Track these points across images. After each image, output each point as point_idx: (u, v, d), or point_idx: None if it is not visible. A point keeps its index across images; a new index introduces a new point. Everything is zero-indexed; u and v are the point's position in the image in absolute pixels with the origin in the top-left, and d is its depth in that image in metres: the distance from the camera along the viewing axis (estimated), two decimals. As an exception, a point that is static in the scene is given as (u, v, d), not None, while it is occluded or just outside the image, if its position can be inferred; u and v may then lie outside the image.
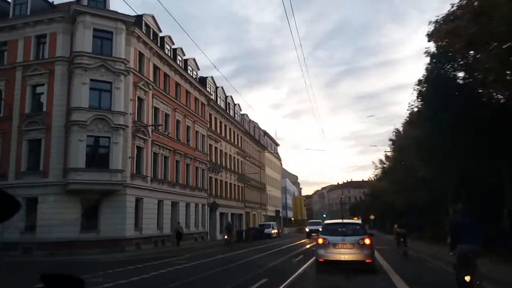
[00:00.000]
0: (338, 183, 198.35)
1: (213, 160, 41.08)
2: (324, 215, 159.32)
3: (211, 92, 42.21)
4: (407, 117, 26.92)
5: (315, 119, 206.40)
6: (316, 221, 49.96)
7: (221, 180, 43.49)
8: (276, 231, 48.46)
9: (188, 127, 34.91)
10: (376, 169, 55.13)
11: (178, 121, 32.85)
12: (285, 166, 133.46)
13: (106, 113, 23.40)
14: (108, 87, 23.78)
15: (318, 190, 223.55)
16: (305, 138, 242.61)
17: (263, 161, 65.61)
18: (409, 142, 24.08)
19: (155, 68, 29.63)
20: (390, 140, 39.89)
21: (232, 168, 47.91)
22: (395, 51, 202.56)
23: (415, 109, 22.22)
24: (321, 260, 12.80)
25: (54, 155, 23.07)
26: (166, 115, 30.88)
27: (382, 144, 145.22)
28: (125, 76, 24.67)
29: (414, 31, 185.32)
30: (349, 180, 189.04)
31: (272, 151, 74.04)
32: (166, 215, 29.62)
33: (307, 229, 44.74)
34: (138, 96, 26.44)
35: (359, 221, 21.09)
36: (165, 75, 31.20)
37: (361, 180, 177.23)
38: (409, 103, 27.46)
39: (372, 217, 72.25)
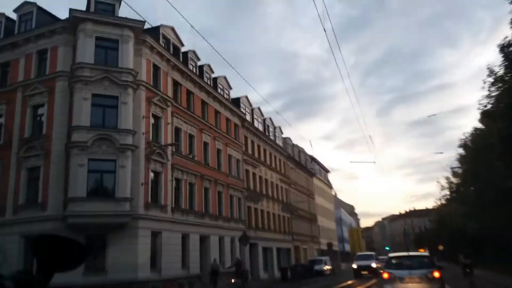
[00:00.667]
0: (400, 212, 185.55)
1: (251, 187, 36.75)
2: (387, 248, 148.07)
3: (246, 112, 38.45)
4: (481, 112, 21.33)
5: (369, 149, 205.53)
6: (367, 254, 40.57)
7: (261, 210, 38.88)
8: (329, 267, 42.58)
9: (218, 150, 31.06)
10: (442, 189, 48.08)
11: (206, 143, 29.10)
12: (340, 196, 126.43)
13: (111, 132, 20.02)
14: (113, 102, 20.52)
15: (378, 221, 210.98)
16: (360, 168, 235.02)
17: (311, 189, 60.30)
18: (488, 142, 18.48)
19: (175, 83, 26.34)
20: (460, 146, 33.20)
21: (275, 196, 43.22)
22: (449, 75, 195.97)
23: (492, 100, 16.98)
24: None
25: (53, 184, 19.84)
26: (191, 136, 27.26)
27: (442, 171, 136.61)
28: (135, 90, 21.38)
29: (467, 52, 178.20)
30: (412, 209, 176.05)
31: (321, 178, 68.54)
32: (193, 252, 25.37)
33: (354, 266, 33.93)
34: (153, 113, 23.03)
35: (426, 253, 21.31)
36: (188, 91, 27.85)
37: (424, 208, 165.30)
38: (479, 101, 21.87)
39: (440, 247, 63.84)
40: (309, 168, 61.11)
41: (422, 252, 46.93)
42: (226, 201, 31.09)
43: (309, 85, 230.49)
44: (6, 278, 1.29)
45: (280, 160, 46.98)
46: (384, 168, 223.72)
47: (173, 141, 24.45)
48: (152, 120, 23.02)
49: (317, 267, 39.60)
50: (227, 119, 33.46)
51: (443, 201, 56.20)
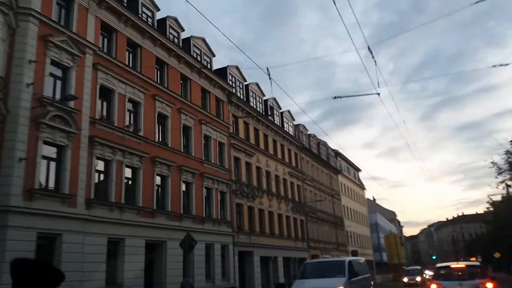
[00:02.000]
0: (447, 218, 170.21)
1: (243, 180, 28.73)
2: (434, 257, 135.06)
3: (237, 87, 30.65)
4: None
5: (413, 155, 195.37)
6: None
7: (260, 210, 30.71)
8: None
9: (186, 128, 23.34)
10: (500, 173, 36.73)
11: (162, 116, 21.47)
12: (384, 205, 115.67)
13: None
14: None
15: (424, 229, 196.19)
16: (404, 176, 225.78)
17: (336, 188, 51.32)
18: None
19: (106, 27, 18.97)
20: None
21: (282, 194, 34.90)
22: (494, 75, 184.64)
23: None
24: None
25: None
26: (135, 103, 19.75)
27: (493, 175, 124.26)
28: (9, 17, 14.15)
29: None
30: (461, 214, 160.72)
31: (349, 176, 59.25)
32: (130, 264, 17.63)
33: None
34: (54, 59, 15.67)
35: (478, 263, 17.30)
36: (132, 43, 20.38)
37: (475, 213, 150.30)
38: None
39: (496, 255, 53.15)
40: (333, 163, 52.20)
41: (474, 261, 38.10)
42: (199, 195, 23.22)
43: (347, 93, 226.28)
44: None
45: (290, 150, 38.66)
46: (431, 175, 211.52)
47: (98, 110, 16.93)
48: (53, 70, 15.68)
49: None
50: (204, 90, 25.76)
51: (502, 190, 43.89)
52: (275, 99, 37.21)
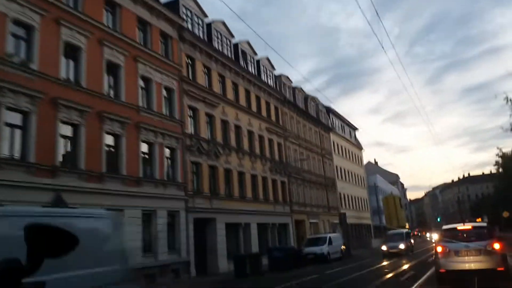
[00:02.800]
0: (452, 180, 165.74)
1: (202, 135, 23.96)
2: (438, 220, 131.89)
3: (194, 23, 25.41)
4: None
5: (420, 119, 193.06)
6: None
7: (227, 170, 26.10)
8: (339, 248, 29.50)
9: (115, 66, 18.39)
10: None
11: (75, 48, 16.52)
12: (387, 169, 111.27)
13: None
14: None
15: (428, 191, 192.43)
16: (411, 140, 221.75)
17: (327, 147, 46.55)
18: None
19: None
20: None
21: (257, 152, 30.22)
22: (502, 36, 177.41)
23: None
24: (442, 270, 11.46)
25: None
26: (27, 28, 14.77)
27: (501, 137, 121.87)
28: None
29: None
30: (466, 175, 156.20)
31: (344, 135, 54.29)
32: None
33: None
34: None
35: (485, 223, 17.02)
36: None
37: (481, 173, 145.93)
38: None
39: (505, 214, 49.10)
40: (324, 120, 47.20)
41: (480, 222, 36.68)
42: (133, 151, 18.53)
43: (353, 59, 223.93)
44: None
45: (268, 103, 33.69)
46: (438, 139, 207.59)
47: None
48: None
49: (316, 249, 26.67)
50: (143, 21, 20.60)
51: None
52: (249, 43, 31.93)
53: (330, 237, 28.55)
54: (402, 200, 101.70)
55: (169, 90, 21.79)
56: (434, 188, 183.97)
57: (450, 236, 12.02)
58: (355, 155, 57.96)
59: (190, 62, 24.22)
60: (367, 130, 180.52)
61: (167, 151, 20.98)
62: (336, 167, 48.53)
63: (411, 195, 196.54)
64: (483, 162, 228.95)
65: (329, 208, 43.34)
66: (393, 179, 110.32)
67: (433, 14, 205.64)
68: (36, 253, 1.34)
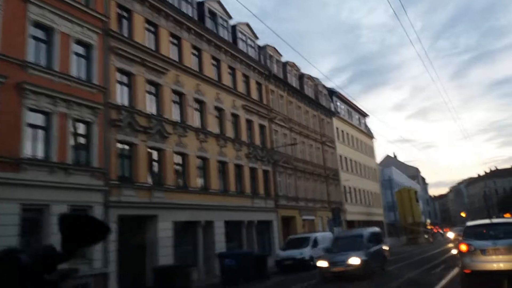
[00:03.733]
0: (478, 174, 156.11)
1: (137, 106, 18.53)
2: (463, 215, 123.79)
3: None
4: None
5: (445, 115, 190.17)
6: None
7: (181, 154, 20.65)
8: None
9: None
10: None
11: None
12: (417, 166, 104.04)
13: None
14: None
15: (453, 186, 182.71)
16: (436, 136, 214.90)
17: (328, 134, 40.59)
18: None
19: None
20: None
21: (229, 134, 24.62)
22: None
23: None
24: (467, 271, 10.36)
25: None
26: None
27: None
28: None
29: None
30: (494, 169, 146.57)
31: (350, 121, 48.06)
32: None
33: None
34: None
35: None
36: None
37: (510, 166, 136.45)
38: None
39: None
40: (324, 103, 41.22)
41: (509, 218, 31.06)
42: (12, 123, 13.25)
43: (374, 55, 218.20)
44: (20, 252, 1.30)
45: (247, 77, 28.04)
46: (465, 134, 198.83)
47: None
48: None
49: (295, 253, 21.01)
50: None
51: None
52: (219, 2, 26.34)
53: (315, 238, 22.82)
54: (419, 194, 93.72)
55: (85, 45, 16.46)
56: (459, 183, 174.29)
57: (476, 233, 10.95)
58: (364, 145, 51.66)
59: (124, 14, 18.82)
60: (392, 126, 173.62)
61: (80, 126, 15.67)
62: (340, 156, 42.51)
63: (436, 192, 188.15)
64: (511, 157, 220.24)
65: (330, 203, 37.45)
66: (413, 173, 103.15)
67: (456, 6, 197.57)
68: (70, 242, 1.37)
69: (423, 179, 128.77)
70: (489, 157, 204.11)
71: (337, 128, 43.05)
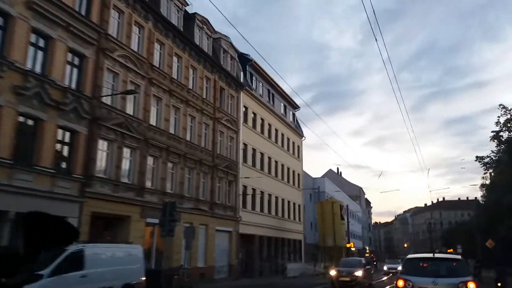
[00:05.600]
0: (425, 204, 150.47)
1: None
2: (405, 246, 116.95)
3: None
4: None
5: (401, 146, 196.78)
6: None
7: None
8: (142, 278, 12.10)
9: None
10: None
11: None
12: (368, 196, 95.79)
13: None
14: None
15: (399, 215, 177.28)
16: (390, 166, 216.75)
17: (230, 112, 29.34)
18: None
19: None
20: None
21: None
22: (488, 70, 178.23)
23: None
24: None
25: None
26: None
27: (478, 172, 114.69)
28: None
29: (509, 48, 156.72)
30: (441, 199, 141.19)
31: (268, 105, 37.01)
32: None
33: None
34: None
35: (459, 256, 13.42)
36: None
37: (457, 199, 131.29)
38: None
39: (490, 243, 33.72)
40: (228, 68, 30.03)
41: (451, 253, 29.31)
42: None
43: (340, 78, 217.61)
44: None
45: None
46: (418, 167, 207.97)
47: None
48: None
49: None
50: None
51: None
52: None
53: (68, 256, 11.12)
54: (359, 217, 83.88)
55: None
56: (405, 212, 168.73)
57: (416, 267, 10.21)
58: (288, 141, 40.84)
59: None
60: (349, 152, 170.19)
61: None
62: (245, 146, 31.34)
63: (384, 220, 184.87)
64: (458, 194, 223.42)
65: (215, 206, 26.03)
66: (355, 192, 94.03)
67: (423, 40, 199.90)
68: (33, 242, 1.80)
69: (368, 202, 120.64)
70: (438, 192, 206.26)
71: (245, 108, 31.92)
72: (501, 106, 27.45)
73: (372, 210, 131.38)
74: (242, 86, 31.17)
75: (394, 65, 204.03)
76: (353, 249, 73.88)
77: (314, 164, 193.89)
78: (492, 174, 30.59)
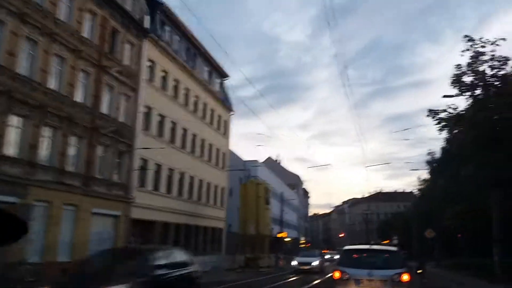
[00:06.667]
0: (363, 195, 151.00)
1: None
2: (341, 236, 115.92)
3: None
4: None
5: (344, 141, 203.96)
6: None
7: None
8: None
9: None
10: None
11: None
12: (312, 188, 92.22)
13: None
14: None
15: (338, 206, 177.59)
16: (332, 159, 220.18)
17: (129, 64, 22.59)
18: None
19: None
20: None
21: None
22: (429, 71, 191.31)
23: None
24: None
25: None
26: None
27: (416, 167, 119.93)
28: None
29: (449, 50, 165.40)
30: (378, 191, 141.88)
31: (182, 62, 30.54)
32: None
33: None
34: None
35: (394, 248, 13.63)
36: None
37: (393, 191, 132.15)
38: None
39: (429, 233, 30.04)
40: (127, 7, 23.26)
41: (387, 243, 29.14)
42: None
43: (290, 71, 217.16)
44: None
45: None
46: (358, 161, 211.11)
47: None
48: None
49: None
50: None
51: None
52: None
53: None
54: (295, 206, 79.29)
55: None
56: (344, 203, 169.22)
57: (352, 259, 10.19)
58: (212, 113, 34.70)
59: None
60: (294, 145, 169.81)
61: None
62: (149, 109, 24.87)
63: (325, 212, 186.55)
64: (395, 189, 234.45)
65: (93, 182, 19.48)
66: (294, 181, 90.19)
67: (370, 39, 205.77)
68: None
69: (306, 191, 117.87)
70: (376, 186, 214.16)
71: (152, 62, 25.37)
72: (467, 38, 16.92)
73: (314, 203, 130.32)
74: (146, 33, 24.52)
75: (341, 61, 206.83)
76: (288, 239, 69.98)
77: (258, 155, 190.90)
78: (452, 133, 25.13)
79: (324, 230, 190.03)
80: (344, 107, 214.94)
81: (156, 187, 25.45)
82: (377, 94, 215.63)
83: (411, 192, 71.11)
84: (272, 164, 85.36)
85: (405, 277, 9.18)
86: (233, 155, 41.89)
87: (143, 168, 23.99)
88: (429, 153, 29.69)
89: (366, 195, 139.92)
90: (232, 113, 38.80)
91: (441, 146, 27.01)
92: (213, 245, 33.74)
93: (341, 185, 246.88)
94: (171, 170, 27.08)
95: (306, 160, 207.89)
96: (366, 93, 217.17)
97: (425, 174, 45.75)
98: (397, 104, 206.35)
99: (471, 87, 17.50)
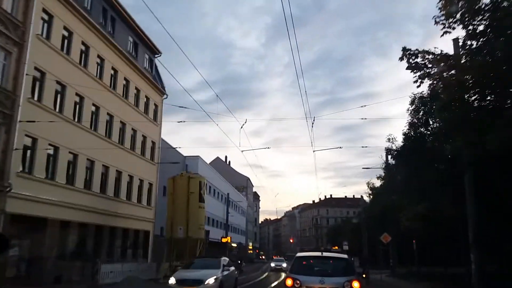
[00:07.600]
0: (313, 201, 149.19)
1: None
2: (291, 242, 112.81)
3: None
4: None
5: (296, 149, 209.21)
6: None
7: None
8: None
9: None
10: None
11: None
12: (264, 197, 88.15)
13: None
14: None
15: (288, 211, 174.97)
16: (284, 167, 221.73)
17: (12, 13, 17.08)
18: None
19: None
20: None
21: None
22: (376, 83, 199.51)
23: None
24: None
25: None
26: None
27: (362, 176, 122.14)
28: None
29: (395, 65, 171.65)
30: (328, 197, 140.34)
31: (98, 26, 25.03)
32: None
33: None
34: None
35: (345, 255, 12.29)
36: None
37: (343, 197, 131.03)
38: None
39: (385, 238, 26.29)
40: None
41: (337, 250, 23.12)
42: None
43: (243, 77, 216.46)
44: None
45: None
46: (307, 169, 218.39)
47: None
48: None
49: None
50: None
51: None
52: None
53: None
54: (243, 209, 73.71)
55: None
56: (294, 208, 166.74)
57: (304, 266, 10.28)
58: (137, 93, 29.26)
59: None
60: (249, 152, 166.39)
61: None
62: (42, 74, 19.23)
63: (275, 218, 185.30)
64: (343, 197, 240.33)
65: None
66: (243, 183, 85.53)
67: (321, 50, 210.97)
68: None
69: (257, 195, 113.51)
70: (326, 194, 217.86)
71: (48, 15, 19.76)
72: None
73: (266, 209, 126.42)
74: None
75: (293, 71, 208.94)
76: (234, 245, 64.93)
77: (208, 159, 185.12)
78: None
79: (274, 236, 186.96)
80: (296, 115, 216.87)
81: (51, 176, 19.76)
82: (327, 104, 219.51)
83: (361, 197, 69.26)
84: (220, 165, 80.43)
85: (356, 285, 9.27)
86: (172, 151, 36.65)
87: (30, 149, 18.30)
88: (388, 139, 26.09)
89: (317, 200, 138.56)
90: (164, 96, 33.47)
91: (403, 131, 23.19)
92: (136, 251, 28.21)
93: (292, 192, 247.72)
94: (74, 155, 21.46)
95: (258, 166, 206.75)
96: (316, 103, 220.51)
97: (375, 179, 45.67)
98: (345, 115, 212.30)
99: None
